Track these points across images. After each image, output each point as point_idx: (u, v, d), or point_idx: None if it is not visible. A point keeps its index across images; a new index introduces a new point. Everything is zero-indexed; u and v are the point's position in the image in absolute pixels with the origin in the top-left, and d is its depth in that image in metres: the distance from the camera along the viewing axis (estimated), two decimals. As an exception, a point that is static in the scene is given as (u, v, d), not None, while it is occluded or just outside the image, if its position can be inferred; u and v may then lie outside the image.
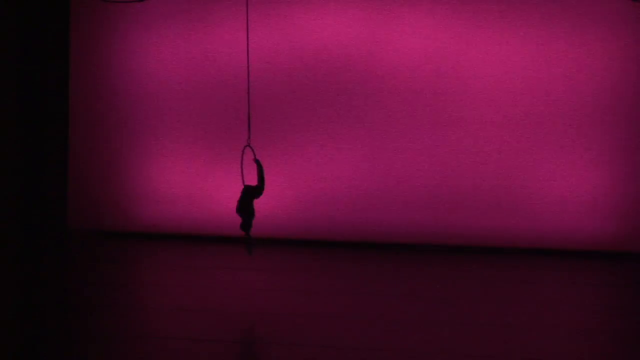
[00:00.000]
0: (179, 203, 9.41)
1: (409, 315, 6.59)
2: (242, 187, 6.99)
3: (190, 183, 9.38)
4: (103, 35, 9.48)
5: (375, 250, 9.00)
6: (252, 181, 7.11)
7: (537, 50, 8.73)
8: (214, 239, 9.35)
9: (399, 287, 7.55)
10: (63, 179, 9.61)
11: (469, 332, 6.10)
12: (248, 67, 7.59)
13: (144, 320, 6.46)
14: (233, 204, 7.18)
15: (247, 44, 7.54)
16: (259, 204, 7.14)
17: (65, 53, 9.52)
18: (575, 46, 8.67)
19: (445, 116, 8.92)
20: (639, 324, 6.54)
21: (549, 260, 8.62)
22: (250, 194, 6.92)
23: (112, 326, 6.28)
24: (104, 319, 6.46)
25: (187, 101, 9.35)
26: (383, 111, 9.01)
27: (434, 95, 8.91)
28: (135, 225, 9.55)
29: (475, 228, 8.92)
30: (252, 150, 7.03)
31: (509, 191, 8.86)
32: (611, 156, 8.70)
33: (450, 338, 5.98)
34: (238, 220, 7.04)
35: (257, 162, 6.94)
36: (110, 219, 9.60)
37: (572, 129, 8.74)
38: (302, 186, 9.17)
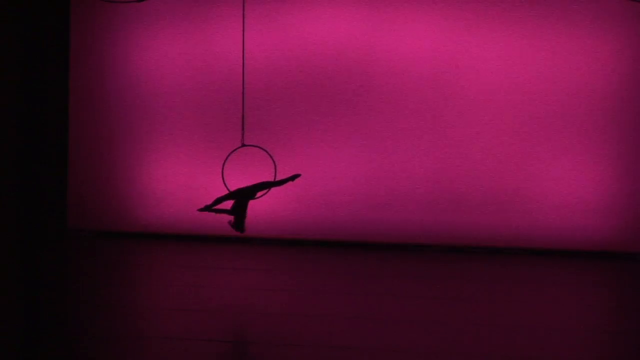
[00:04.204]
0: (179, 203, 9.40)
1: (409, 315, 6.58)
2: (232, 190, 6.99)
3: (189, 183, 9.38)
4: (103, 35, 9.48)
5: (375, 250, 9.00)
6: (238, 182, 7.18)
7: (538, 51, 8.73)
8: (214, 239, 9.35)
9: (399, 287, 7.55)
10: (63, 179, 9.61)
11: (469, 332, 6.10)
12: (243, 68, 7.60)
13: (144, 320, 6.46)
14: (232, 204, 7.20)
15: (243, 45, 7.56)
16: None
17: (65, 53, 9.52)
18: (575, 47, 8.67)
19: (445, 117, 8.92)
20: (638, 324, 6.54)
21: (549, 260, 8.62)
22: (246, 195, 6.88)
23: (112, 326, 6.28)
24: (104, 319, 6.45)
25: (187, 101, 9.35)
26: (383, 112, 9.01)
27: (434, 96, 8.91)
28: (135, 225, 9.55)
29: (475, 228, 8.92)
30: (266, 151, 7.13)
31: (509, 191, 8.86)
32: (611, 156, 8.70)
33: (450, 338, 5.97)
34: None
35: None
36: (110, 219, 9.60)
37: (573, 130, 8.75)
38: (302, 186, 9.15)
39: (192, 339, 5.88)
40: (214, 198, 6.87)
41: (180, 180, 9.41)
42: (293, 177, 6.95)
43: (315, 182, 9.14)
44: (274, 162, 7.41)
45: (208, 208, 6.77)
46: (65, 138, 9.60)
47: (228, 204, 6.81)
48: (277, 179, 7.11)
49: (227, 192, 6.93)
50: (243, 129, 7.31)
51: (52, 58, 9.45)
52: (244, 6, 7.62)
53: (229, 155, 7.41)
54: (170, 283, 7.59)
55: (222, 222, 9.10)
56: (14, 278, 7.81)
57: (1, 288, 7.33)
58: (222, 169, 7.33)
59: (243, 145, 7.24)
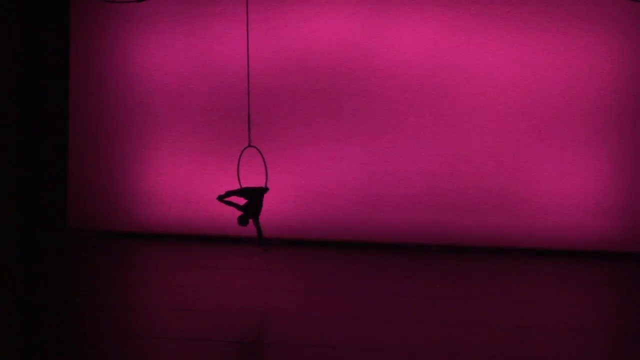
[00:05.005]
0: (179, 203, 9.41)
1: (409, 315, 6.58)
2: (241, 187, 7.09)
3: (189, 183, 9.38)
4: (103, 35, 9.48)
5: (375, 250, 9.01)
6: (249, 181, 7.22)
7: (538, 51, 8.73)
8: (214, 239, 9.36)
9: (399, 286, 7.55)
10: (63, 179, 9.60)
11: (469, 332, 6.10)
12: (248, 69, 7.59)
13: (144, 320, 6.46)
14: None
15: (247, 45, 7.54)
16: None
17: (65, 53, 9.52)
18: (575, 48, 8.67)
19: (446, 117, 8.92)
20: (638, 324, 6.54)
21: (549, 260, 8.63)
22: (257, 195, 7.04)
23: (112, 326, 6.28)
24: (104, 319, 6.45)
25: (187, 101, 9.36)
26: (383, 112, 9.01)
27: (435, 96, 8.91)
28: (135, 225, 9.55)
29: (475, 228, 8.92)
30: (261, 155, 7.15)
31: (509, 191, 8.86)
32: (611, 157, 8.70)
33: (450, 338, 5.97)
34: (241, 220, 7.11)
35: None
36: (110, 219, 9.60)
37: (573, 130, 8.75)
38: (302, 186, 9.17)
39: (192, 339, 5.88)
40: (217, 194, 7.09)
41: (180, 181, 9.41)
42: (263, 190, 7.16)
43: (316, 182, 9.14)
44: (266, 169, 7.34)
45: (221, 198, 6.98)
46: (65, 138, 9.60)
47: (239, 200, 7.01)
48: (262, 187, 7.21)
49: (238, 187, 7.14)
50: (249, 129, 7.31)
51: (52, 58, 9.44)
52: (247, 7, 7.61)
53: (241, 153, 7.34)
54: (171, 283, 7.59)
55: (221, 221, 9.15)
56: (15, 278, 7.81)
57: (2, 288, 7.33)
58: (238, 165, 7.30)
59: (250, 146, 7.25)
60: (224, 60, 9.23)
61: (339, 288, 7.47)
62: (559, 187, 8.79)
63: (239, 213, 6.99)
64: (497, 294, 7.33)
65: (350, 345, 5.78)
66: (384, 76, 8.97)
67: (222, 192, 7.03)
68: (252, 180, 7.39)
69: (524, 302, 7.04)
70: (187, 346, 5.72)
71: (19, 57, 9.20)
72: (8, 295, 7.12)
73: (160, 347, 5.74)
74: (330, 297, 7.09)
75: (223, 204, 7.03)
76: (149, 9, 9.29)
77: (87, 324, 6.32)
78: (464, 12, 8.80)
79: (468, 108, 8.89)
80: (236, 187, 7.18)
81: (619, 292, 7.72)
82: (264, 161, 7.26)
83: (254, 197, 7.01)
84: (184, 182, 9.39)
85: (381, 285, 7.56)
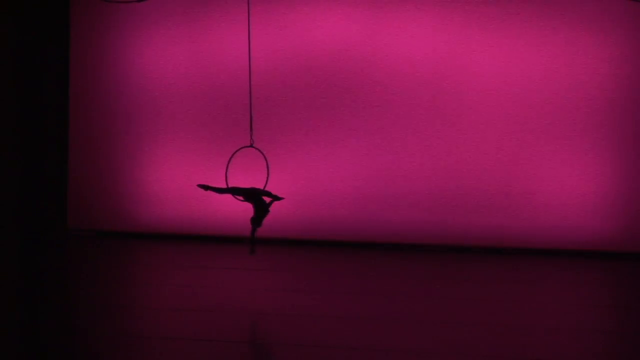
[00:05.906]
0: (179, 203, 9.40)
1: (409, 315, 6.58)
2: (228, 186, 7.14)
3: (190, 183, 9.36)
4: (103, 36, 9.47)
5: (376, 250, 9.01)
6: (246, 182, 7.23)
7: (537, 51, 8.74)
8: (214, 239, 9.36)
9: (399, 286, 7.55)
10: (63, 179, 9.61)
11: (469, 332, 6.10)
12: (250, 69, 7.58)
13: (144, 320, 6.46)
14: (232, 204, 7.22)
15: (249, 46, 7.54)
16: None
17: (65, 53, 9.52)
18: (574, 48, 8.67)
19: (446, 117, 8.92)
20: (638, 324, 6.54)
21: (549, 260, 8.63)
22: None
23: (112, 326, 6.28)
24: (104, 319, 6.45)
25: (187, 101, 9.35)
26: (383, 111, 9.01)
27: (435, 95, 8.91)
28: (135, 225, 9.55)
29: (475, 228, 8.92)
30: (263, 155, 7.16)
31: (509, 191, 8.86)
32: (611, 156, 8.70)
33: (450, 338, 5.97)
34: (239, 220, 7.11)
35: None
36: (110, 219, 9.60)
37: (572, 130, 8.75)
38: (302, 186, 9.16)
39: (192, 339, 5.88)
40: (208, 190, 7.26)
41: (180, 181, 9.41)
42: (277, 198, 7.06)
43: (316, 182, 9.14)
44: (268, 169, 7.35)
45: (205, 187, 7.20)
46: (66, 138, 9.60)
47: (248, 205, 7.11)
48: (266, 188, 7.19)
49: (225, 185, 7.18)
50: (251, 129, 7.31)
51: (52, 58, 9.45)
52: (249, 7, 7.61)
53: (235, 152, 7.36)
54: (170, 283, 7.59)
55: (221, 222, 9.16)
56: (15, 278, 7.82)
57: (2, 288, 7.33)
58: (227, 164, 7.30)
59: (251, 145, 7.26)
60: (224, 60, 9.22)
61: (338, 288, 7.47)
62: (559, 187, 8.78)
63: (239, 212, 7.01)
64: (497, 293, 7.33)
65: (350, 345, 5.78)
66: (385, 76, 8.97)
67: (207, 184, 7.17)
68: (248, 181, 7.37)
69: (523, 302, 7.04)
70: (187, 346, 5.72)
71: (19, 57, 9.20)
72: (8, 295, 7.12)
73: (160, 347, 5.74)
74: (329, 297, 7.09)
75: (218, 198, 7.05)
76: (149, 9, 9.28)
77: (87, 324, 6.32)
78: (465, 14, 8.79)
79: (468, 108, 8.88)
80: (227, 185, 7.18)
81: (619, 292, 7.72)
82: (267, 163, 7.27)
83: (262, 200, 7.02)
84: (184, 182, 9.38)
85: (381, 285, 7.56)
